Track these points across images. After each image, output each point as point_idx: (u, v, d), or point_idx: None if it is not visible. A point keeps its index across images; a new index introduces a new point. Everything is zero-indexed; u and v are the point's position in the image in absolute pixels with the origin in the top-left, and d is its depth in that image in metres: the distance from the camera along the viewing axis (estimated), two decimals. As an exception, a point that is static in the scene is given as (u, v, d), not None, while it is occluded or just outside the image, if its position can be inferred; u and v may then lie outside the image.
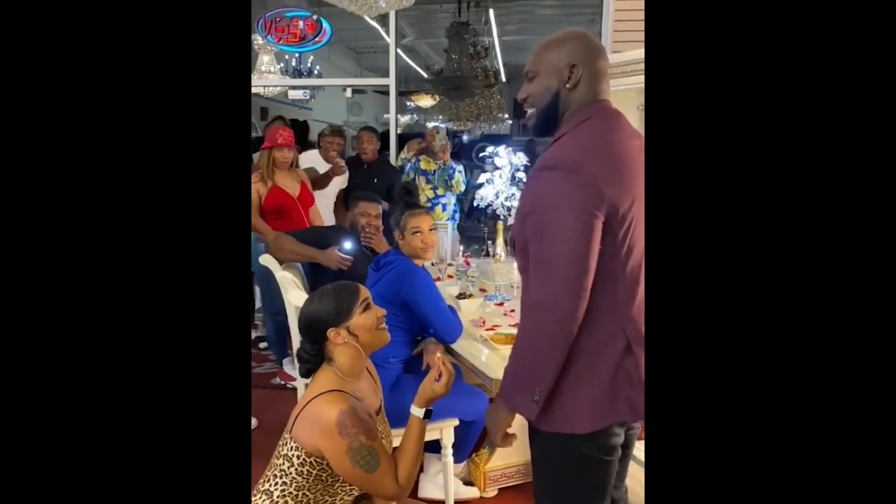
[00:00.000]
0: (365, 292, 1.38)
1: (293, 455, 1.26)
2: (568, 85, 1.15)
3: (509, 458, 2.17)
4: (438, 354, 1.38)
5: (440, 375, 1.34)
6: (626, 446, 1.27)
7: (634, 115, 3.01)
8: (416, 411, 1.34)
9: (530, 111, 1.22)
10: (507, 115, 9.53)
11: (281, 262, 2.40)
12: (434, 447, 2.02)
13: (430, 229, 2.10)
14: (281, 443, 1.30)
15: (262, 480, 1.31)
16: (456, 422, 2.01)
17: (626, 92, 2.89)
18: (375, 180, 3.77)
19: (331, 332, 1.31)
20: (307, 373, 1.36)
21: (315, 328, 1.32)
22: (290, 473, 1.26)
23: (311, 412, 1.25)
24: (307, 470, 1.25)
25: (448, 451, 2.01)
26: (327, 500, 1.30)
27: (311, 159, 3.59)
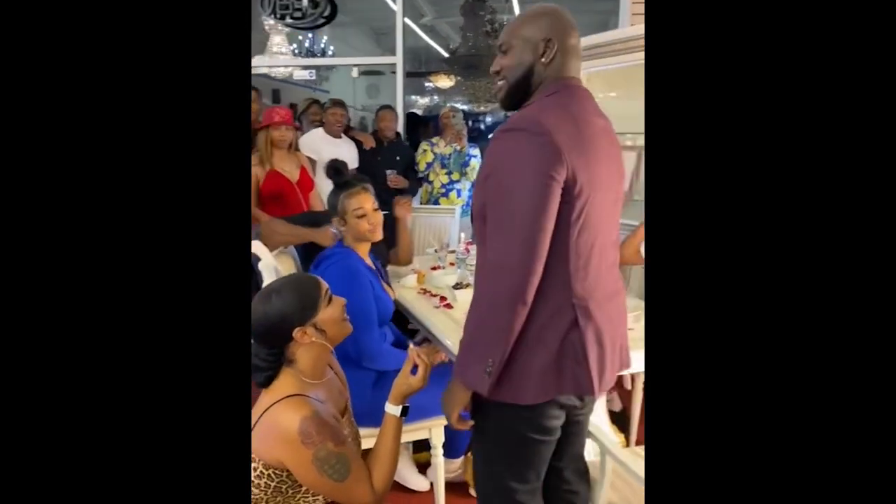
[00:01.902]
0: (324, 283, 1.27)
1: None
2: (543, 59, 1.15)
3: (505, 457, 2.06)
4: (411, 345, 1.27)
5: (416, 368, 1.23)
6: (577, 423, 1.30)
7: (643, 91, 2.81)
8: (392, 409, 1.25)
9: (501, 83, 1.21)
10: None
11: (273, 248, 2.30)
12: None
13: (374, 208, 1.93)
14: None
15: None
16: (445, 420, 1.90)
17: (638, 68, 2.71)
18: (397, 158, 3.70)
19: (297, 333, 1.19)
20: (267, 381, 1.22)
21: (278, 330, 1.19)
22: None
23: (269, 422, 1.15)
24: (265, 483, 1.16)
25: (438, 451, 1.90)
26: None
27: (317, 137, 3.47)
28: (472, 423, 1.21)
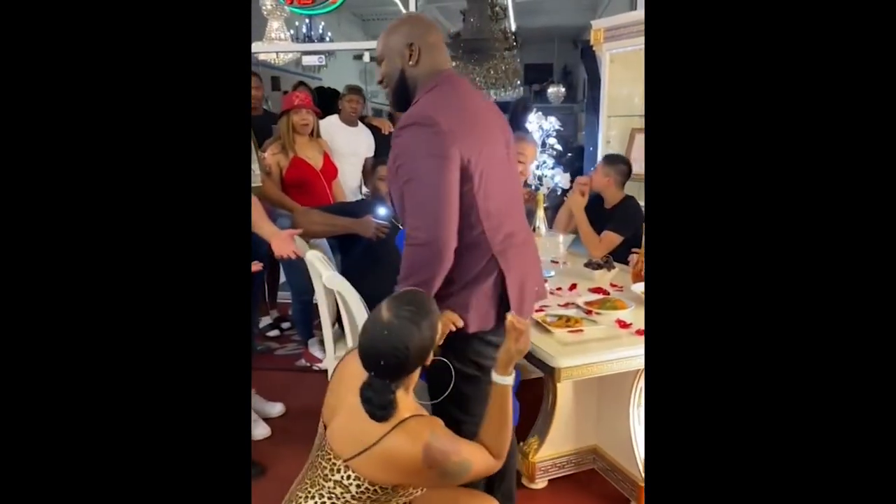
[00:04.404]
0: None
1: (351, 484, 1.12)
2: (410, 62, 1.35)
3: (560, 447, 2.03)
4: (508, 315, 1.23)
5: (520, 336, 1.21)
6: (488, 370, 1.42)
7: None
8: (502, 380, 1.21)
9: (386, 90, 1.41)
10: (519, 82, 9.17)
11: (309, 238, 2.23)
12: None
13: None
14: (328, 466, 1.14)
15: (305, 493, 1.16)
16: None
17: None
18: None
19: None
20: (391, 414, 1.10)
21: (422, 356, 1.14)
22: (345, 497, 1.12)
23: (387, 454, 1.09)
24: (368, 496, 1.12)
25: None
26: None
27: (332, 123, 3.37)
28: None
